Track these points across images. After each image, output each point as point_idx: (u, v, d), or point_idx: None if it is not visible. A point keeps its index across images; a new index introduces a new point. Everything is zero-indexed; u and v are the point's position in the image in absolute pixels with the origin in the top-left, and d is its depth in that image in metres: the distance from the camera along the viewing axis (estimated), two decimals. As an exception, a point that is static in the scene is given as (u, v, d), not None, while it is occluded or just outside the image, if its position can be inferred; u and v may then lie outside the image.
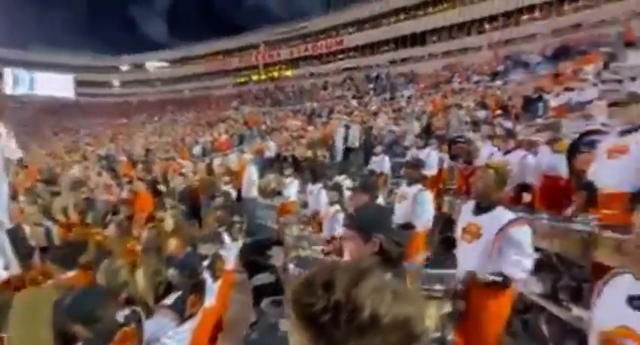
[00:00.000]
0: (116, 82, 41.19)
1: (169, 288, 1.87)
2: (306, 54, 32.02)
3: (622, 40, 14.39)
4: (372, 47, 28.35)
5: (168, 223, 3.23)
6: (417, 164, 3.83)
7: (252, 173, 6.09)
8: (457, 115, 8.49)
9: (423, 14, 25.84)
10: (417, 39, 26.02)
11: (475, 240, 2.03)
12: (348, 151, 9.07)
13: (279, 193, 6.08)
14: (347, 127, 9.49)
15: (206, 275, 2.04)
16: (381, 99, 18.85)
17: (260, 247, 4.30)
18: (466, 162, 4.65)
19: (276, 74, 33.85)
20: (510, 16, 22.16)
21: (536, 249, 2.52)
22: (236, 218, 2.81)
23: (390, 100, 18.19)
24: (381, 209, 1.54)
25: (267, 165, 9.24)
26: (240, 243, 2.84)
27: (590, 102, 5.53)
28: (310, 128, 12.40)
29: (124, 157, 12.38)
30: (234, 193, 5.54)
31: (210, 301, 2.18)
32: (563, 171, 3.51)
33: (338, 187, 3.99)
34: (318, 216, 4.48)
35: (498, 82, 14.88)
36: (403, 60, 26.15)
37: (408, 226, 3.33)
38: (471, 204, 2.16)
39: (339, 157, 9.08)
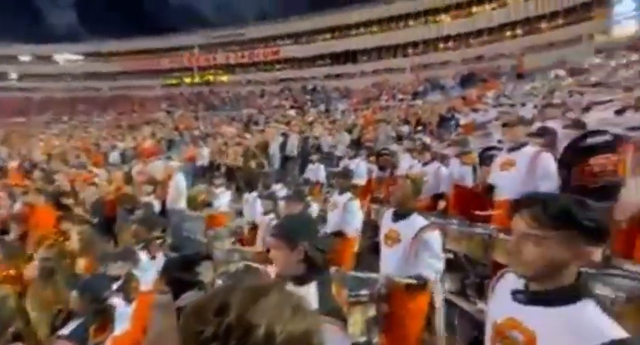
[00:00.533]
0: (13, 75, 34.94)
1: (71, 316, 1.62)
2: (242, 61, 31.47)
3: (515, 71, 17.43)
4: (308, 61, 29.18)
5: (74, 241, 2.82)
6: (348, 174, 4.02)
7: (179, 182, 5.66)
8: (385, 129, 9.18)
9: (354, 34, 27.68)
10: (350, 57, 27.67)
11: (395, 245, 2.19)
12: (286, 159, 9.07)
13: (210, 205, 5.75)
14: (285, 136, 9.50)
15: (116, 298, 1.82)
16: (317, 111, 19.38)
17: (187, 263, 3.98)
18: (391, 172, 5.04)
19: (211, 78, 32.47)
20: (429, 44, 25.08)
21: (448, 251, 2.83)
22: (156, 233, 2.57)
23: (326, 112, 18.83)
24: (306, 218, 1.57)
25: (200, 174, 8.71)
26: (159, 260, 2.60)
27: (489, 122, 6.50)
28: (247, 136, 12.07)
29: (15, 162, 10.38)
30: (157, 205, 5.08)
31: (122, 326, 1.95)
32: (469, 180, 4.03)
33: (272, 196, 3.96)
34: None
35: (419, 101, 16.54)
36: (337, 75, 27.51)
37: (339, 234, 3.45)
38: (390, 211, 2.33)
39: (276, 165, 9.02)
